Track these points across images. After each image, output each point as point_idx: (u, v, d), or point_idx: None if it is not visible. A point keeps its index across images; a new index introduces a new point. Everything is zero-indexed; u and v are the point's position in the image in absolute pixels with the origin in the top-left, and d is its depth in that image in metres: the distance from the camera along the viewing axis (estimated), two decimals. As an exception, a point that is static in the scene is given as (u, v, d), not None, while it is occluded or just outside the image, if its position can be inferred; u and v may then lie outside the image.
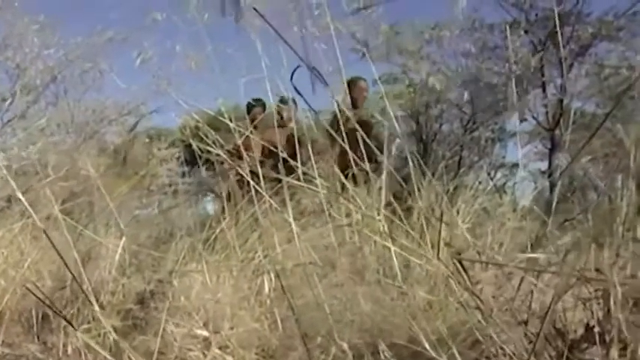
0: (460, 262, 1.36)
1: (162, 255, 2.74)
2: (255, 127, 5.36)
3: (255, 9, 1.18)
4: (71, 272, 1.57)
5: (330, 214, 2.01)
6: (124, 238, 2.50)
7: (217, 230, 2.46)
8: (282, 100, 5.24)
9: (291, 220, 1.82)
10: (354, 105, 5.59)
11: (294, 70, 1.87)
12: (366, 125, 5.12)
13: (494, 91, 10.53)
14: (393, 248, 1.84)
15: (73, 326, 1.71)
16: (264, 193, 1.90)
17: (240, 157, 2.37)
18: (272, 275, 2.09)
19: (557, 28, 9.56)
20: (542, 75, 10.27)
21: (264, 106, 5.78)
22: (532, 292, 1.71)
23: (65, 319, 1.65)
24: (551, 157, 10.09)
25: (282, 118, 5.49)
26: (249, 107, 5.68)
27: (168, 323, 2.05)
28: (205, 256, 2.40)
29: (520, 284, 1.63)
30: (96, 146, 9.46)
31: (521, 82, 10.30)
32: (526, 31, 10.32)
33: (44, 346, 2.50)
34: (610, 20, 10.18)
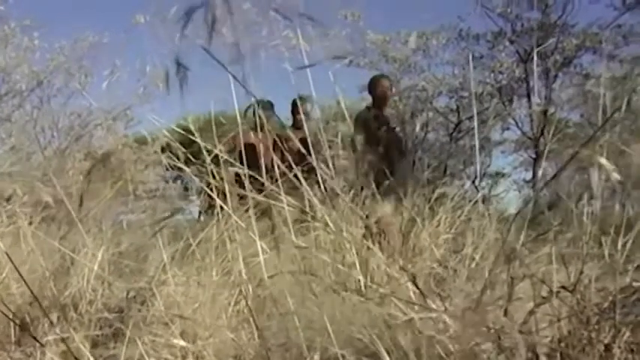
0: (416, 285, 1.38)
1: (142, 264, 2.74)
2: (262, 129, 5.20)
3: (204, 48, 1.20)
4: (30, 290, 1.58)
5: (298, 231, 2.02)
6: (103, 247, 2.50)
7: (196, 241, 2.47)
8: (301, 98, 4.79)
9: (256, 238, 1.83)
10: (377, 105, 5.17)
11: (248, 108, 1.90)
12: (389, 127, 4.95)
13: (479, 100, 10.63)
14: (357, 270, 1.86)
15: (39, 342, 1.72)
16: (230, 212, 1.92)
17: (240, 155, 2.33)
18: (249, 286, 2.10)
19: (550, 37, 9.68)
20: (527, 85, 10.39)
21: (272, 108, 5.48)
22: (506, 305, 1.73)
23: (31, 335, 1.65)
24: (536, 167, 10.19)
25: (296, 120, 5.12)
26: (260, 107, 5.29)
27: (146, 332, 2.06)
28: (183, 268, 2.41)
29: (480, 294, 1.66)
30: (83, 150, 9.43)
31: (506, 91, 10.41)
32: (512, 42, 10.44)
33: (24, 354, 2.50)
34: (594, 32, 10.32)
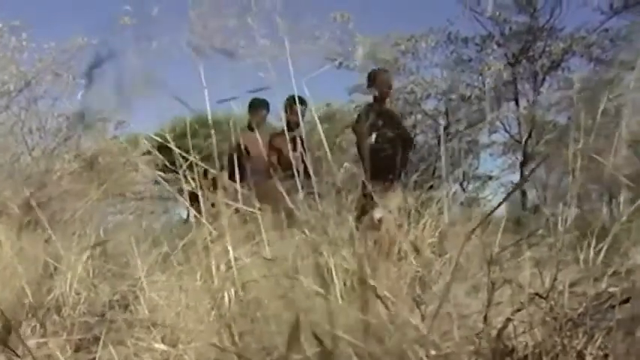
0: (377, 296, 1.40)
1: (126, 268, 2.73)
2: (257, 129, 5.18)
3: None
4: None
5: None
6: (88, 251, 2.50)
7: (180, 246, 2.47)
8: (293, 99, 4.71)
9: (230, 248, 1.84)
10: (377, 100, 5.02)
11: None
12: (391, 120, 4.90)
13: (467, 103, 10.69)
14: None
15: (15, 353, 1.71)
16: (204, 221, 1.92)
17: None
18: (232, 289, 2.11)
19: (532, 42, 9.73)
20: (515, 88, 10.45)
21: (267, 107, 5.45)
22: (486, 310, 1.75)
23: (7, 345, 1.65)
24: (523, 170, 10.24)
25: (290, 122, 4.96)
26: (255, 106, 5.29)
27: (128, 336, 2.06)
28: (167, 272, 2.42)
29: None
30: (71, 152, 9.37)
31: (494, 95, 10.46)
32: (500, 45, 10.50)
33: (7, 358, 2.49)
34: (582, 36, 10.39)
